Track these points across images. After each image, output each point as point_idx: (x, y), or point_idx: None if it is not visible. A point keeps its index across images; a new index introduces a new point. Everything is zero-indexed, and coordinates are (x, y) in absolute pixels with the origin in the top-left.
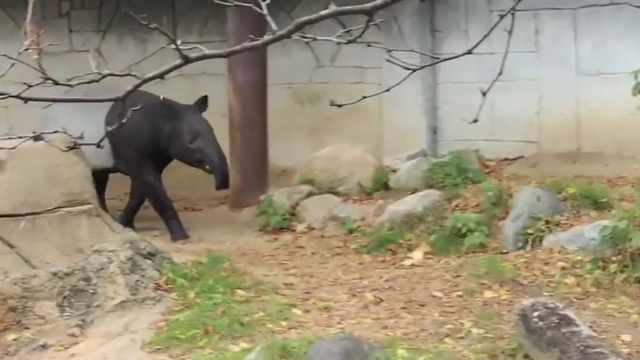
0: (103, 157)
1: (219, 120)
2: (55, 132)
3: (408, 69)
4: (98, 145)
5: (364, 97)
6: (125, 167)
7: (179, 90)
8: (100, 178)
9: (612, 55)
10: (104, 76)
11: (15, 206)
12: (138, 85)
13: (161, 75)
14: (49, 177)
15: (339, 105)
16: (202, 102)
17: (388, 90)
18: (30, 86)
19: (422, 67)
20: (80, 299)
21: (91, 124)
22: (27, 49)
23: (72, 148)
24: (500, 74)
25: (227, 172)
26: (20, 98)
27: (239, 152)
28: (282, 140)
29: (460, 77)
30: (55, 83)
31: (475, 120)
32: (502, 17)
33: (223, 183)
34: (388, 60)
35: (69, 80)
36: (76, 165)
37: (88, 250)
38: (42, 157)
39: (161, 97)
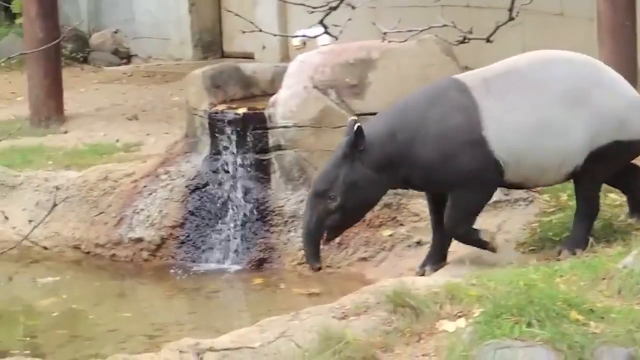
0: None
1: (586, 25)
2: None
3: None
4: (488, 40)
5: None
6: None
7: None
8: None
9: None
10: None
11: (388, 105)
12: None
13: None
14: (421, 76)
15: None
16: None
17: None
18: None
19: None
20: None
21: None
22: None
23: (461, 42)
24: None
25: None
26: None
27: (608, 57)
28: None
29: None
30: None
31: None
32: None
33: None
34: None
35: None
36: (448, 66)
37: None
38: (413, 56)
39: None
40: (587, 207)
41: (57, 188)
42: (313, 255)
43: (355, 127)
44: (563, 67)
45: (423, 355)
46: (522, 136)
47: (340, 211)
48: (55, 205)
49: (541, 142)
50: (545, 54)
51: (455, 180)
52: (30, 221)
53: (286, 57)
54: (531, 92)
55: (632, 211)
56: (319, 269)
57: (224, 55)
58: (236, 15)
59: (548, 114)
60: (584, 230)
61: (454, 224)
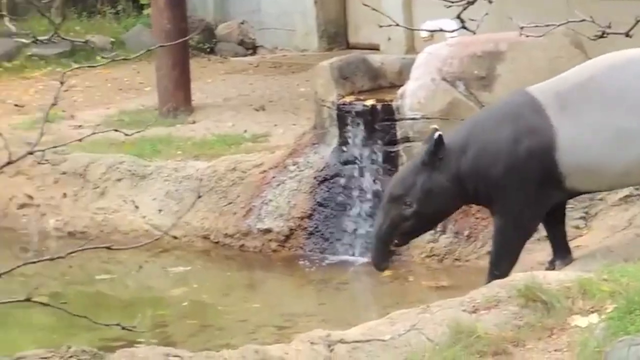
0: None
1: None
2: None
3: None
4: (627, 35)
5: None
6: None
7: None
8: None
9: None
10: None
11: None
12: None
13: None
14: (549, 69)
15: None
16: None
17: None
18: None
19: None
20: None
21: None
22: None
23: (600, 37)
24: None
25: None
26: None
27: None
28: None
29: None
30: None
31: None
32: None
33: None
34: None
35: None
36: (577, 58)
37: None
38: (542, 48)
39: None
40: None
41: (200, 179)
42: (381, 258)
43: (436, 136)
44: (635, 72)
45: (555, 350)
46: (600, 151)
47: (414, 218)
48: (199, 196)
49: (621, 152)
50: (621, 58)
51: (510, 203)
52: (159, 211)
53: (411, 49)
54: (609, 103)
55: None
56: (385, 269)
57: (348, 47)
58: (373, 9)
59: (629, 123)
60: None
61: (496, 261)
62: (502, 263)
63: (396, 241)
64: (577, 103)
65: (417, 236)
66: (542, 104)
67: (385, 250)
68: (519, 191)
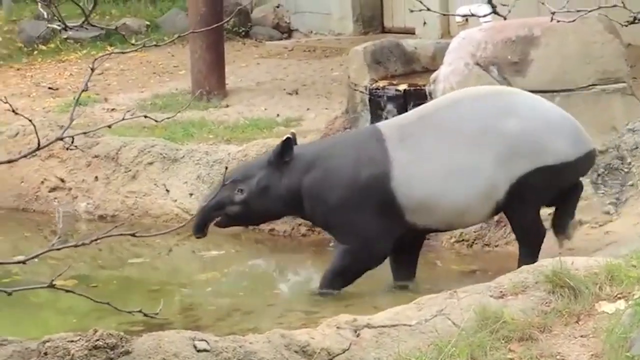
0: None
1: None
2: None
3: None
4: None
5: None
6: None
7: None
8: None
9: None
10: None
11: (549, 82)
12: None
13: None
14: (583, 54)
15: None
16: None
17: None
18: None
19: None
20: (614, 177)
21: None
22: None
23: (631, 23)
24: None
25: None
26: None
27: None
28: None
29: None
30: None
31: None
32: None
33: None
34: None
35: None
36: (611, 43)
37: (622, 129)
38: (576, 33)
39: None
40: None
41: (226, 167)
42: (199, 227)
43: (284, 138)
44: (467, 106)
45: (581, 336)
46: (433, 183)
47: (240, 206)
48: (224, 184)
49: (454, 186)
50: (453, 96)
51: (350, 231)
52: (190, 194)
53: (446, 33)
54: (438, 137)
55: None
56: (200, 237)
57: (384, 31)
58: None
59: (456, 156)
60: None
61: (330, 277)
62: (334, 283)
63: (218, 219)
64: (413, 137)
65: (241, 225)
66: (385, 135)
67: (204, 222)
68: (355, 218)
